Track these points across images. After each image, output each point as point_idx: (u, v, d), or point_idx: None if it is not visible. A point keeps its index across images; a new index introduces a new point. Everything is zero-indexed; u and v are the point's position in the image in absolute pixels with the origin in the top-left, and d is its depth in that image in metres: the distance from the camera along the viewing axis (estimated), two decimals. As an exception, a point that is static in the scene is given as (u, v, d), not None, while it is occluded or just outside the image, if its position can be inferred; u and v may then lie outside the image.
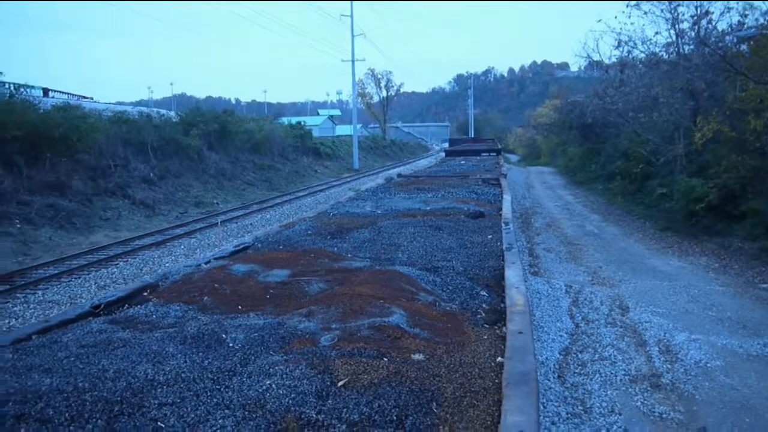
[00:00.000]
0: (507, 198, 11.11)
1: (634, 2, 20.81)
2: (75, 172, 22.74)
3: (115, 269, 14.67)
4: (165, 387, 2.94)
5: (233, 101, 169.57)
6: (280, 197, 30.82)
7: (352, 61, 52.27)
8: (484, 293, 4.91)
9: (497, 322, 4.18)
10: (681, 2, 20.27)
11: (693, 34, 20.44)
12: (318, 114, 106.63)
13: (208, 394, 2.87)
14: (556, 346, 9.03)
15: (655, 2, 20.50)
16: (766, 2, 17.17)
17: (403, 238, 7.09)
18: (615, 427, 6.61)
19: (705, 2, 19.58)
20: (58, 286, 13.21)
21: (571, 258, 15.45)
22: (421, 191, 12.53)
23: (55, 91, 40.65)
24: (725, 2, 18.59)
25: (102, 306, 4.57)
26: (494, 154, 30.59)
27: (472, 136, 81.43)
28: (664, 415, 6.83)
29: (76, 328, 4.04)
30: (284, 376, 3.01)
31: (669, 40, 21.60)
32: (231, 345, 3.57)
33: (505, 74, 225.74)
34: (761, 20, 16.62)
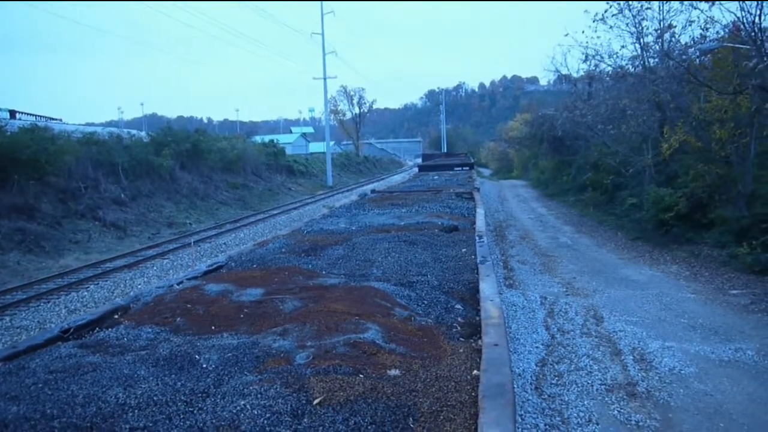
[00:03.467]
0: (480, 211, 11.17)
1: (600, 17, 21.22)
2: (44, 195, 22.37)
3: (86, 293, 14.40)
4: (136, 411, 2.89)
5: (205, 120, 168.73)
6: (253, 216, 30.62)
7: (324, 79, 52.42)
8: (459, 307, 4.92)
9: (473, 335, 4.19)
10: (645, 17, 20.75)
11: (657, 47, 20.93)
12: (291, 132, 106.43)
13: (181, 416, 2.82)
14: (533, 357, 9.06)
15: (619, 17, 20.95)
16: (725, 16, 17.63)
17: (377, 253, 7.08)
18: (593, 436, 6.64)
19: (668, 16, 20.08)
20: (27, 311, 12.92)
21: (545, 269, 15.56)
22: (395, 206, 12.55)
23: (22, 113, 40.01)
24: (687, 16, 19.07)
25: (71, 330, 4.48)
26: (467, 168, 30.78)
27: (445, 151, 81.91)
28: (640, 423, 6.88)
29: (45, 353, 3.94)
30: (259, 395, 2.97)
31: (635, 53, 22.09)
32: (204, 366, 3.51)
33: (476, 89, 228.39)
34: (722, 33, 17.04)
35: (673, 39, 20.27)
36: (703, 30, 18.20)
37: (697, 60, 18.48)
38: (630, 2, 20.58)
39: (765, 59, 13.28)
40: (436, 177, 25.46)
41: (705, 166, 16.73)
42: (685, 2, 18.13)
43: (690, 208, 17.00)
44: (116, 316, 4.89)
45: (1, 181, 20.85)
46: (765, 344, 9.24)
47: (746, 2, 14.28)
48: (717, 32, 17.37)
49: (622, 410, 7.23)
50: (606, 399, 7.58)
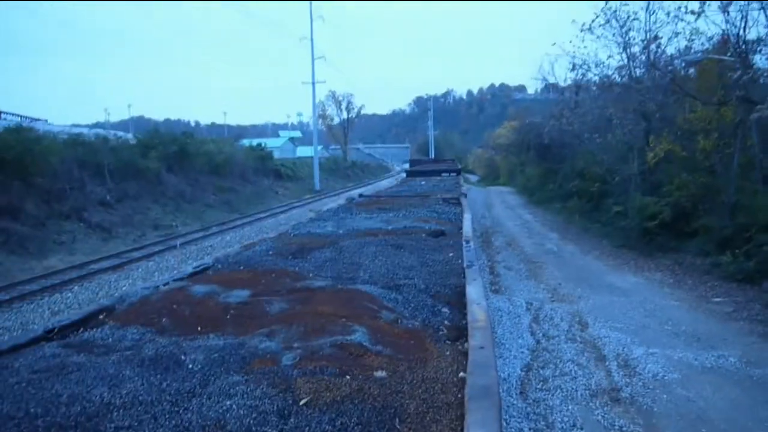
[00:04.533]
0: (467, 217, 11.19)
1: (587, 27, 21.40)
2: (28, 196, 22.13)
3: (70, 294, 14.28)
4: (122, 410, 2.87)
5: (193, 124, 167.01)
6: (240, 219, 30.54)
7: (313, 84, 52.42)
8: (446, 310, 4.93)
9: (459, 338, 4.20)
10: (631, 27, 20.96)
11: (644, 57, 21.13)
12: (279, 136, 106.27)
13: (167, 416, 2.81)
14: (518, 362, 9.11)
15: (606, 27, 21.14)
16: (711, 28, 17.87)
17: (364, 257, 7.08)
18: (577, 441, 6.68)
19: (654, 27, 20.29)
20: (9, 312, 12.80)
21: (531, 275, 15.64)
22: (382, 211, 12.55)
23: (6, 113, 39.67)
24: (673, 27, 19.27)
25: (56, 330, 4.44)
26: (454, 174, 30.86)
27: (433, 157, 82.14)
28: (624, 428, 6.93)
29: (28, 353, 3.90)
30: (245, 396, 2.97)
31: (621, 63, 22.28)
32: (190, 366, 3.50)
33: (465, 96, 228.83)
34: (707, 45, 17.28)
35: (659, 50, 20.50)
36: (688, 41, 18.47)
37: (683, 71, 18.72)
38: (617, 13, 20.80)
39: (749, 71, 13.48)
40: (423, 182, 25.49)
41: (689, 176, 16.92)
42: (672, 14, 18.37)
43: (674, 216, 17.17)
44: (101, 317, 4.85)
45: (-16, 181, 20.64)
46: (747, 351, 9.35)
47: (731, 15, 14.52)
48: (702, 44, 17.63)
49: (606, 415, 7.29)
50: (590, 404, 7.64)
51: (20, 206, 21.10)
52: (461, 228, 9.77)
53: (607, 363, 9.06)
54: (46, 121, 44.60)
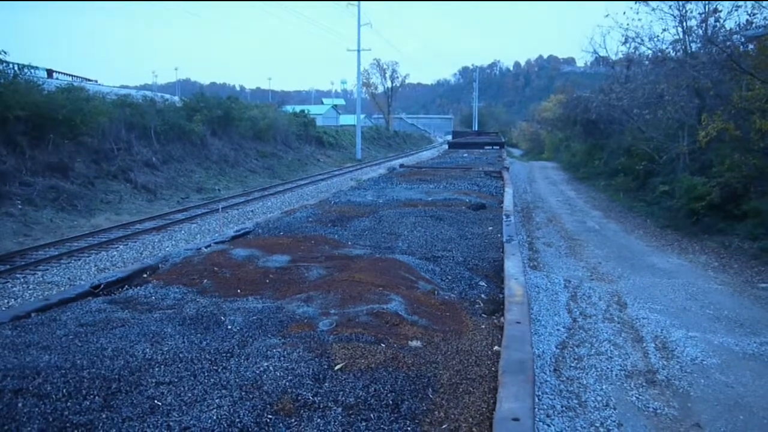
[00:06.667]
0: (509, 191, 11.11)
1: (643, -1, 20.70)
2: (78, 155, 22.74)
3: (115, 252, 14.69)
4: (163, 366, 2.96)
5: (237, 88, 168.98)
6: (282, 185, 30.83)
7: (358, 51, 52.08)
8: (483, 284, 4.92)
9: (495, 312, 4.20)
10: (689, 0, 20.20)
11: (700, 32, 20.37)
12: (322, 103, 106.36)
13: (206, 374, 2.89)
14: (553, 339, 9.05)
15: (663, -1, 20.43)
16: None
17: (403, 227, 7.10)
18: (609, 421, 6.63)
19: (713, 0, 19.50)
20: (58, 268, 13.23)
21: (570, 253, 15.44)
22: (423, 182, 12.53)
23: (59, 72, 40.54)
24: (734, 1, 18.49)
25: (102, 286, 4.59)
26: (497, 147, 30.54)
27: (476, 129, 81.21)
28: (658, 411, 6.85)
29: (76, 307, 4.05)
30: (282, 358, 3.03)
31: (676, 37, 21.55)
32: (229, 327, 3.59)
33: (511, 68, 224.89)
34: (769, 19, 16.54)
35: (718, 24, 19.73)
36: (749, 15, 17.70)
37: (742, 46, 17.98)
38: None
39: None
40: (465, 155, 25.32)
41: (742, 156, 16.34)
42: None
43: (723, 198, 16.66)
44: (145, 275, 5.00)
45: (37, 139, 21.22)
46: (792, 339, 9.10)
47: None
48: (765, 18, 16.87)
49: (640, 397, 7.21)
50: (625, 385, 7.56)
51: (70, 165, 21.71)
52: (502, 202, 9.70)
53: (644, 344, 8.93)
54: (96, 81, 45.46)
